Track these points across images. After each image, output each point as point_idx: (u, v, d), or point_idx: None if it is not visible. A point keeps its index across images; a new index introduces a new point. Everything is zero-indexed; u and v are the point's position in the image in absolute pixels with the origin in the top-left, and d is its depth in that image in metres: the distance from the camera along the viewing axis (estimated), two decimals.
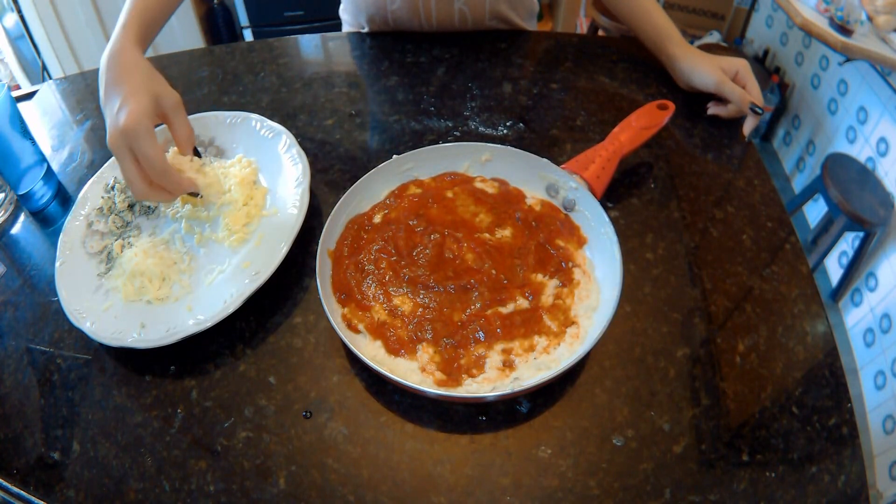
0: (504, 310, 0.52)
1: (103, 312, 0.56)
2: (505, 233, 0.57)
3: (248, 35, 2.37)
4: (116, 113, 0.53)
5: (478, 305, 0.52)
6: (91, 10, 1.94)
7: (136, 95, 0.54)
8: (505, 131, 0.74)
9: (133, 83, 0.55)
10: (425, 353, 0.50)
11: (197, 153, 0.61)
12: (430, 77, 0.82)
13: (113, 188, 0.66)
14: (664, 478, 0.46)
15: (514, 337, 0.51)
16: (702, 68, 0.75)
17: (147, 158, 0.53)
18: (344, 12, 0.98)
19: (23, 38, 1.90)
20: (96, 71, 0.91)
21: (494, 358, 0.50)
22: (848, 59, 1.71)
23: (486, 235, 0.57)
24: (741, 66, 0.74)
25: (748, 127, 0.73)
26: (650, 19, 0.80)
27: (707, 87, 0.75)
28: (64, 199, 0.71)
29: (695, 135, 0.75)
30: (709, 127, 0.76)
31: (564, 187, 0.60)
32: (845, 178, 1.67)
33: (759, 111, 0.71)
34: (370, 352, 0.51)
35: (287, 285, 0.59)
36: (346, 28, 0.99)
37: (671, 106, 0.68)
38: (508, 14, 0.90)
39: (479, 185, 0.62)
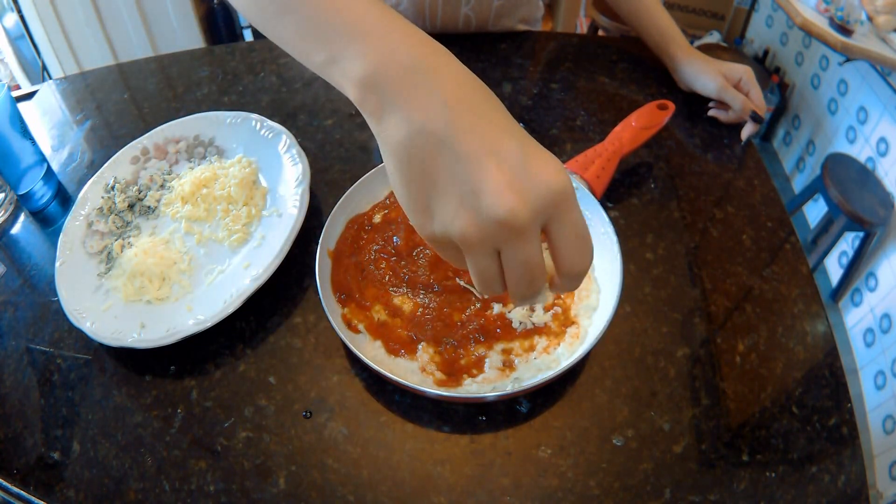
0: (504, 310, 0.52)
1: (103, 312, 0.56)
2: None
3: (248, 35, 2.37)
4: (524, 157, 0.31)
5: (478, 305, 0.53)
6: (91, 10, 1.94)
7: (538, 144, 0.33)
8: None
9: (511, 118, 0.34)
10: (425, 353, 0.50)
11: None
12: None
13: (113, 188, 0.66)
14: (664, 478, 0.46)
15: (514, 337, 0.51)
16: (704, 73, 0.75)
17: (583, 240, 0.33)
18: None
19: (23, 38, 1.90)
20: (96, 71, 0.91)
21: (494, 358, 0.50)
22: (848, 59, 1.71)
23: None
24: (745, 73, 0.74)
25: (746, 133, 0.73)
26: (653, 20, 0.80)
27: (709, 93, 0.75)
28: (64, 199, 0.71)
29: (695, 135, 0.75)
30: (709, 127, 0.76)
31: None
32: (845, 178, 1.67)
33: (760, 120, 0.72)
34: (370, 352, 0.51)
35: (287, 285, 0.59)
36: None
37: (671, 106, 0.68)
38: (513, 20, 0.91)
39: None
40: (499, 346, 0.50)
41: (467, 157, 0.30)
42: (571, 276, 0.34)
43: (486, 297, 0.53)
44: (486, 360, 0.49)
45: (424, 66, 0.32)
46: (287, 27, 0.36)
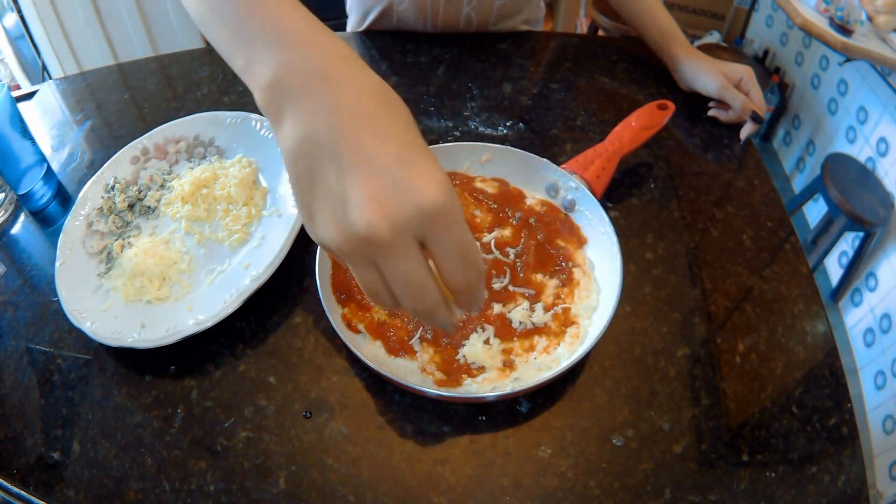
0: (504, 310, 0.52)
1: (103, 312, 0.56)
2: (505, 233, 0.57)
3: None
4: (400, 167, 0.29)
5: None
6: (91, 10, 1.94)
7: (425, 147, 0.32)
8: (505, 131, 0.74)
9: (409, 126, 0.32)
10: (425, 353, 0.50)
11: None
12: (430, 77, 0.82)
13: (113, 188, 0.66)
14: (664, 478, 0.46)
15: (514, 337, 0.51)
16: (705, 73, 0.75)
17: (465, 257, 0.31)
18: (350, 9, 0.98)
19: (23, 38, 1.90)
20: (96, 71, 0.91)
21: (495, 358, 0.50)
22: (848, 59, 1.71)
23: (486, 235, 0.57)
24: (745, 73, 0.74)
25: (745, 132, 0.73)
26: (654, 20, 0.80)
27: (709, 92, 0.75)
28: (64, 199, 0.71)
29: (695, 135, 0.75)
30: (709, 127, 0.76)
31: (564, 187, 0.60)
32: (845, 178, 1.68)
33: (760, 120, 0.72)
34: (370, 352, 0.51)
35: (287, 285, 0.59)
36: (348, 25, 0.99)
37: (671, 106, 0.68)
38: (514, 21, 0.91)
39: (479, 185, 0.62)
40: (499, 346, 0.50)
41: (343, 165, 0.29)
42: (460, 294, 0.33)
43: (500, 289, 0.53)
44: (487, 360, 0.49)
45: (326, 74, 0.31)
46: (219, 33, 0.36)
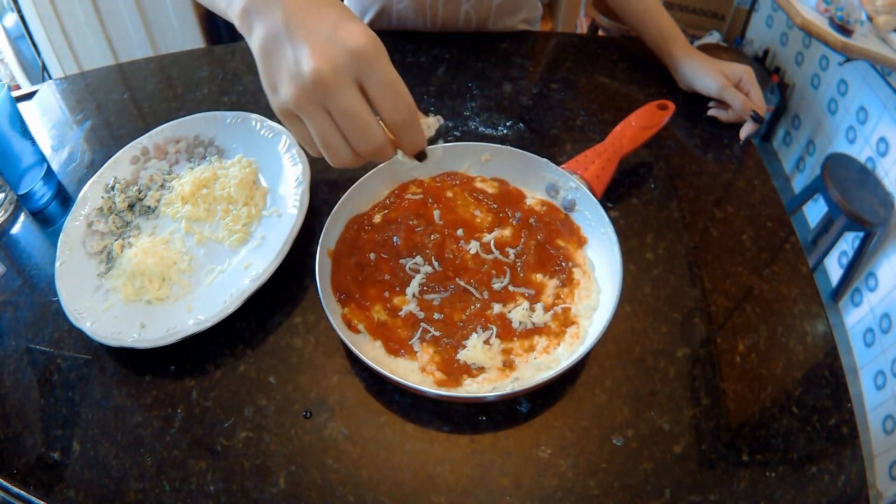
0: (504, 310, 0.52)
1: (103, 312, 0.56)
2: (505, 233, 0.57)
3: None
4: (334, 30, 0.38)
5: (478, 305, 0.52)
6: (91, 10, 1.94)
7: (354, 16, 0.40)
8: (505, 131, 0.74)
9: (344, 9, 0.41)
10: (425, 353, 0.50)
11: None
12: (430, 77, 0.82)
13: (113, 188, 0.66)
14: (664, 478, 0.46)
15: (514, 337, 0.51)
16: (705, 73, 0.75)
17: (393, 89, 0.39)
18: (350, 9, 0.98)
19: (23, 38, 1.90)
20: (96, 71, 0.91)
21: (495, 358, 0.50)
22: (848, 59, 1.71)
23: (486, 235, 0.57)
24: (745, 72, 0.74)
25: (745, 132, 0.73)
26: (654, 20, 0.80)
27: (709, 92, 0.75)
28: (64, 199, 0.71)
29: (695, 135, 0.75)
30: (709, 127, 0.76)
31: (564, 187, 0.60)
32: (845, 178, 1.68)
33: (760, 120, 0.72)
34: (370, 352, 0.51)
35: (287, 285, 0.59)
36: None
37: (671, 106, 0.68)
38: (513, 20, 0.91)
39: (479, 185, 0.62)
40: (499, 346, 0.50)
41: (293, 42, 0.38)
42: (397, 126, 0.40)
43: (500, 288, 0.53)
44: (486, 347, 0.49)
45: None
46: None
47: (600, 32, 2.20)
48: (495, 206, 0.60)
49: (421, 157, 0.45)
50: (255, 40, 0.41)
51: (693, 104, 0.78)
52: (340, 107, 0.38)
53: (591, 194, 0.58)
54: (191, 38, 2.14)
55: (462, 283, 0.53)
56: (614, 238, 0.53)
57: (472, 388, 0.48)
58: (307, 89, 0.38)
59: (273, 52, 0.40)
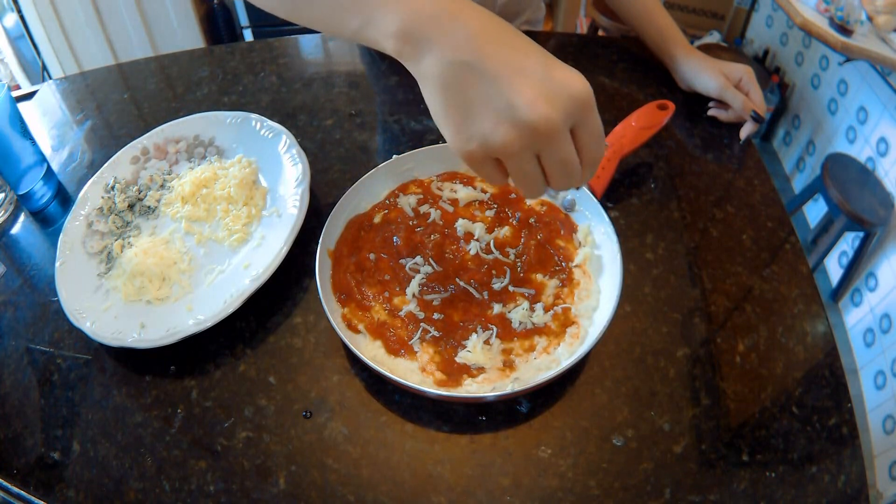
0: (504, 310, 0.52)
1: (103, 312, 0.56)
2: (505, 233, 0.57)
3: (248, 35, 2.37)
4: (547, 71, 0.35)
5: (478, 306, 0.52)
6: (91, 10, 1.94)
7: (555, 57, 0.37)
8: None
9: (533, 42, 0.38)
10: (425, 353, 0.50)
11: None
12: None
13: (113, 188, 0.66)
14: (664, 478, 0.46)
15: (514, 337, 0.51)
16: (704, 73, 0.75)
17: (600, 136, 0.38)
18: None
19: (23, 38, 1.90)
20: (96, 71, 0.91)
21: (495, 358, 0.50)
22: (848, 59, 1.71)
23: (486, 235, 0.57)
24: (745, 72, 0.74)
25: (745, 132, 0.73)
26: (654, 20, 0.80)
27: (709, 92, 0.75)
28: (64, 199, 0.71)
29: (695, 135, 0.75)
30: (709, 127, 0.76)
31: None
32: (845, 178, 1.67)
33: (760, 120, 0.72)
34: (370, 352, 0.51)
35: (287, 285, 0.59)
36: None
37: (671, 106, 0.68)
38: (516, 20, 0.91)
39: (479, 184, 0.62)
40: (499, 346, 0.50)
41: (497, 78, 0.35)
42: (592, 165, 0.39)
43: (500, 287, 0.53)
44: (484, 344, 0.49)
45: (447, 13, 0.36)
46: (318, 8, 0.42)
47: (600, 32, 2.20)
48: (495, 205, 0.60)
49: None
50: (430, 67, 0.37)
51: (693, 104, 0.78)
52: (556, 155, 0.36)
53: (591, 194, 0.58)
54: (191, 38, 2.14)
55: (462, 283, 0.53)
56: (614, 238, 0.53)
57: (472, 388, 0.48)
58: (524, 135, 0.35)
59: (465, 86, 0.36)
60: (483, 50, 0.35)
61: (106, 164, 0.68)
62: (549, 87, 0.35)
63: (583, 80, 0.36)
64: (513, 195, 0.61)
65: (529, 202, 0.60)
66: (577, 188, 0.43)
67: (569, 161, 0.37)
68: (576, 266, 0.55)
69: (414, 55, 0.37)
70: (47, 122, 0.83)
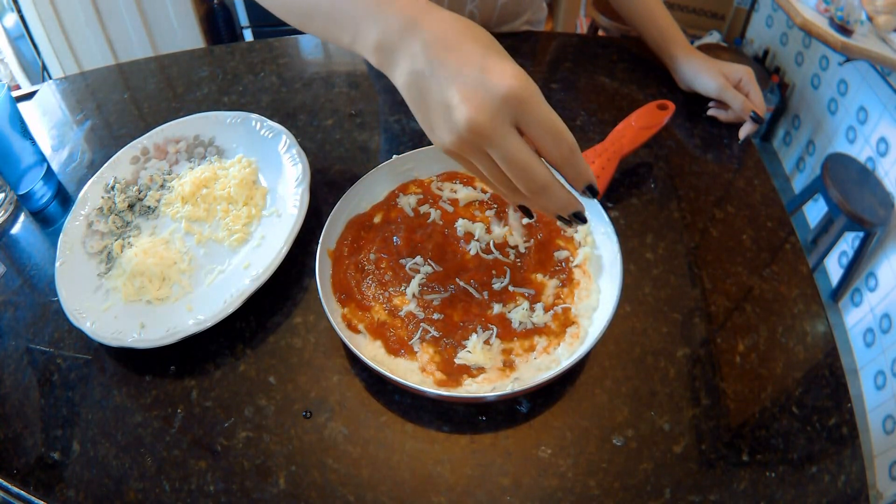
0: (504, 310, 0.52)
1: (103, 312, 0.56)
2: (505, 233, 0.57)
3: (248, 35, 2.37)
4: (482, 71, 0.36)
5: (478, 305, 0.52)
6: (91, 10, 1.94)
7: (502, 53, 0.38)
8: None
9: (489, 43, 0.39)
10: (425, 353, 0.50)
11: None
12: None
13: (113, 188, 0.66)
14: (664, 478, 0.46)
15: (514, 337, 0.51)
16: (704, 73, 0.75)
17: (551, 128, 0.37)
18: None
19: (23, 38, 1.90)
20: (96, 71, 0.91)
21: (495, 358, 0.50)
22: (848, 59, 1.71)
23: (486, 235, 0.57)
24: (745, 73, 0.74)
25: (745, 132, 0.73)
26: (654, 20, 0.80)
27: (708, 93, 0.75)
28: (64, 199, 0.71)
29: (695, 135, 0.75)
30: (709, 127, 0.76)
31: None
32: (845, 178, 1.67)
33: (760, 120, 0.72)
34: (370, 352, 0.51)
35: (287, 285, 0.59)
36: None
37: (671, 106, 0.68)
38: (517, 22, 0.90)
39: (479, 185, 0.62)
40: (499, 346, 0.50)
41: (440, 82, 0.37)
42: (559, 163, 0.39)
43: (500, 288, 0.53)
44: (485, 344, 0.49)
45: (411, 23, 0.39)
46: (317, 24, 0.47)
47: (600, 32, 2.20)
48: (496, 206, 0.60)
49: (592, 192, 0.41)
50: (398, 78, 0.40)
51: (693, 104, 0.78)
52: (500, 153, 0.37)
53: None
54: (191, 38, 2.14)
55: (462, 283, 0.53)
56: (614, 238, 0.53)
57: (472, 388, 0.48)
58: (464, 137, 0.37)
59: (421, 92, 0.39)
60: (436, 57, 0.38)
61: (106, 164, 0.68)
62: (479, 89, 0.36)
63: (517, 77, 0.36)
64: None
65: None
66: (569, 203, 0.41)
67: (515, 159, 0.37)
68: (576, 266, 0.55)
69: (388, 68, 0.41)
70: (47, 122, 0.83)
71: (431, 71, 0.38)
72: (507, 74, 0.36)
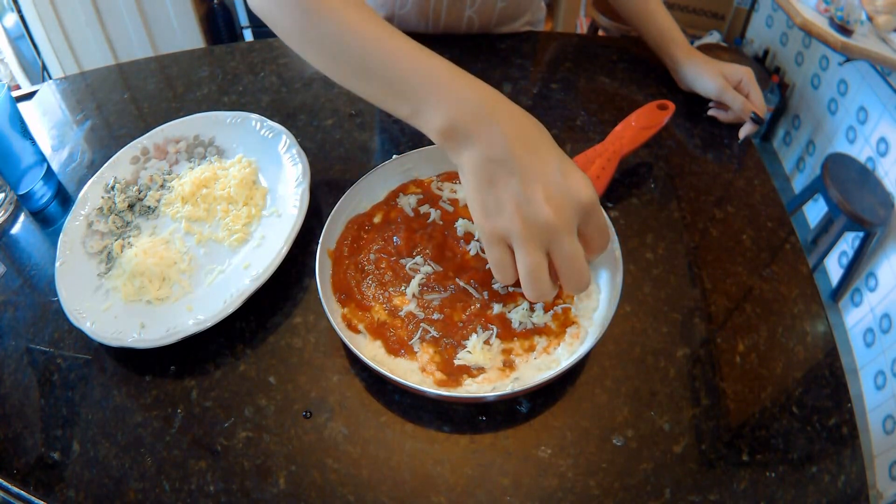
0: (504, 310, 0.52)
1: (103, 312, 0.56)
2: None
3: (248, 35, 2.37)
4: (563, 178, 0.41)
5: (478, 305, 0.52)
6: (91, 10, 1.94)
7: (573, 163, 0.43)
8: None
9: (558, 148, 0.44)
10: (425, 353, 0.50)
11: None
12: None
13: (113, 188, 0.66)
14: (664, 478, 0.46)
15: (514, 337, 0.51)
16: (704, 74, 0.75)
17: (604, 232, 0.44)
18: None
19: (23, 38, 1.90)
20: (96, 71, 0.91)
21: (495, 358, 0.50)
22: (848, 59, 1.71)
23: None
24: (745, 73, 0.74)
25: (744, 132, 0.73)
26: (654, 21, 0.80)
27: (708, 94, 0.75)
28: (64, 199, 0.71)
29: (695, 135, 0.75)
30: (709, 127, 0.76)
31: None
32: (845, 178, 1.68)
33: (760, 121, 0.72)
34: (370, 352, 0.51)
35: (287, 285, 0.59)
36: None
37: (671, 106, 0.68)
38: (517, 23, 0.90)
39: None
40: (499, 346, 0.50)
41: (522, 176, 0.41)
42: (596, 251, 0.45)
43: (501, 289, 0.53)
44: (484, 345, 0.49)
45: (486, 110, 0.42)
46: (372, 87, 0.48)
47: (600, 32, 2.20)
48: None
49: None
50: (468, 160, 0.43)
51: (693, 104, 0.78)
52: (564, 252, 0.41)
53: None
54: (191, 38, 2.14)
55: (462, 283, 0.53)
56: (614, 238, 0.53)
57: (472, 388, 0.48)
58: (536, 229, 0.41)
59: (495, 178, 0.42)
60: (514, 151, 0.41)
61: (106, 164, 0.68)
62: (560, 192, 0.41)
63: (589, 187, 0.42)
64: None
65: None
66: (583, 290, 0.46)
67: (573, 256, 0.42)
68: None
69: (456, 149, 0.44)
70: (47, 122, 0.83)
71: (512, 163, 0.41)
72: (584, 184, 0.41)
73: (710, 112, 0.76)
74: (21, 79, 1.91)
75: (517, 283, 0.54)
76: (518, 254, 0.42)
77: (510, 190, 0.41)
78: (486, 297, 0.53)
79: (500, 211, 0.42)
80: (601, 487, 0.46)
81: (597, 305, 0.53)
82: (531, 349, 0.50)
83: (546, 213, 0.40)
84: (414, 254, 0.56)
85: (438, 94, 0.44)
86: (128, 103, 0.84)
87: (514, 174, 0.41)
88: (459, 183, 0.62)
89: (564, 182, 0.41)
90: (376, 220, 0.59)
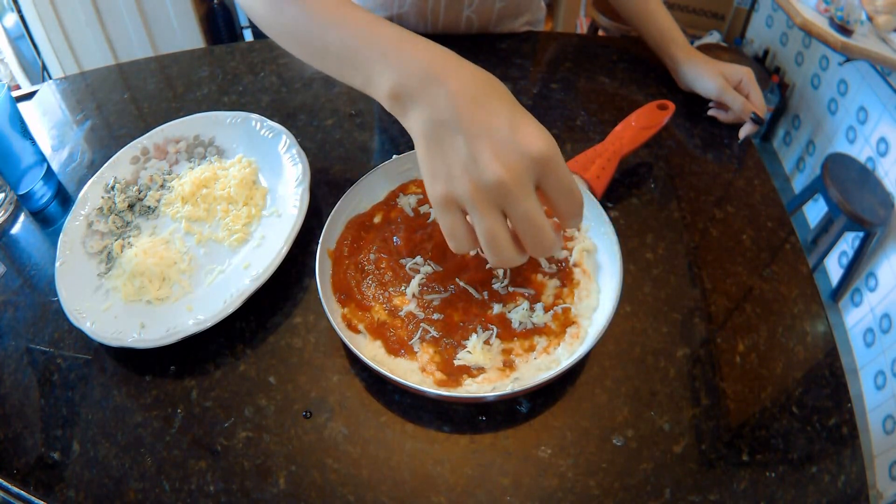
0: (504, 310, 0.52)
1: (103, 312, 0.56)
2: None
3: (248, 35, 2.37)
4: (512, 132, 0.38)
5: (478, 306, 0.52)
6: (91, 10, 1.94)
7: (525, 112, 0.40)
8: None
9: (512, 100, 0.40)
10: (425, 353, 0.50)
11: None
12: None
13: (113, 188, 0.66)
14: (664, 478, 0.46)
15: (514, 337, 0.51)
16: (704, 74, 0.75)
17: (569, 190, 0.39)
18: None
19: (23, 38, 1.90)
20: (96, 71, 0.91)
21: (495, 358, 0.50)
22: (848, 59, 1.71)
23: None
24: (745, 74, 0.74)
25: (744, 132, 0.73)
26: (654, 21, 0.80)
27: (709, 94, 0.75)
28: (64, 199, 0.71)
29: (695, 135, 0.75)
30: (709, 127, 0.76)
31: None
32: (845, 178, 1.68)
33: (760, 122, 0.72)
34: (370, 352, 0.51)
35: (287, 285, 0.59)
36: None
37: (671, 106, 0.68)
38: (515, 22, 0.90)
39: None
40: (499, 346, 0.50)
41: (466, 135, 0.38)
42: (568, 219, 0.41)
43: (501, 289, 0.53)
44: (484, 344, 0.49)
45: (434, 71, 0.40)
46: (330, 63, 0.48)
47: (600, 32, 2.20)
48: None
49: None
50: (414, 123, 0.41)
51: (693, 104, 0.78)
52: (519, 212, 0.38)
53: (591, 194, 0.58)
54: (191, 38, 2.14)
55: (462, 283, 0.53)
56: (614, 238, 0.53)
57: (472, 388, 0.48)
58: (487, 190, 0.37)
59: (442, 140, 0.39)
60: (458, 109, 0.39)
61: (106, 164, 0.68)
62: (509, 148, 0.37)
63: (545, 140, 0.38)
64: None
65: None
66: (557, 251, 0.44)
67: (530, 215, 0.38)
68: (576, 266, 0.55)
69: (403, 113, 0.42)
70: (47, 122, 0.83)
71: (458, 123, 0.38)
72: (536, 136, 0.38)
73: (710, 112, 0.76)
74: (21, 79, 1.91)
75: (517, 284, 0.54)
76: (472, 218, 0.39)
77: (456, 150, 0.38)
78: (486, 297, 0.53)
79: (448, 174, 0.39)
80: (601, 487, 0.46)
81: (597, 305, 0.53)
82: (531, 349, 0.50)
83: (495, 170, 0.37)
84: (414, 254, 0.56)
85: (386, 58, 0.42)
86: (128, 103, 0.84)
87: (459, 134, 0.38)
88: None
89: (513, 136, 0.37)
90: (376, 220, 0.59)
